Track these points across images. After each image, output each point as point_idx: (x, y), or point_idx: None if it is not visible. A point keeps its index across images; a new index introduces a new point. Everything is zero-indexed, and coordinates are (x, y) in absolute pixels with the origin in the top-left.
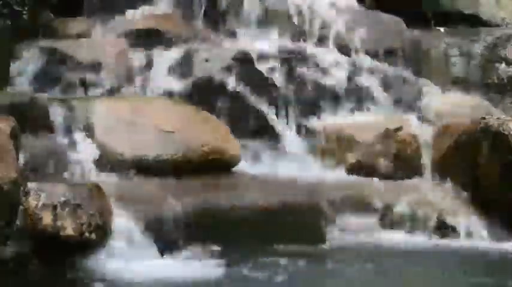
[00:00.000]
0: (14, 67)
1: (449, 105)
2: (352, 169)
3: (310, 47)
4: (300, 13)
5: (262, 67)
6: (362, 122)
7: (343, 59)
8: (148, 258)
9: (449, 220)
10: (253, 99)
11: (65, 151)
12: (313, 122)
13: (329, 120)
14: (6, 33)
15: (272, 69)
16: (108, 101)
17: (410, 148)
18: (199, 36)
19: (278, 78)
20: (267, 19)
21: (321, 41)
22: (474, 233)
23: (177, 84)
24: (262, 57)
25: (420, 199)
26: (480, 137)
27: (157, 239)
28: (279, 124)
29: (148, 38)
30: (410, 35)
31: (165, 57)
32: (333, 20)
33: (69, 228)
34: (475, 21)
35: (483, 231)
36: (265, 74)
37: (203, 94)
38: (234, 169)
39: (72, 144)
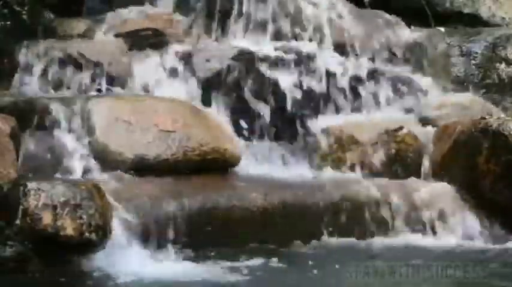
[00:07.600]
0: (14, 67)
1: (449, 105)
2: (352, 169)
3: (309, 47)
4: (299, 13)
5: (263, 67)
6: (362, 122)
7: (341, 59)
8: (147, 258)
9: (448, 220)
10: (254, 99)
11: (65, 151)
12: (314, 122)
13: (329, 121)
14: (6, 33)
15: (273, 69)
16: (108, 101)
17: (411, 148)
18: (199, 36)
19: (279, 78)
20: (267, 19)
21: (320, 41)
22: (473, 233)
23: (177, 84)
24: (263, 56)
25: (419, 199)
26: (480, 137)
27: (156, 240)
28: (280, 124)
29: (148, 38)
30: (410, 34)
31: (166, 57)
32: (332, 20)
33: (69, 228)
34: (475, 21)
35: (482, 231)
36: (266, 74)
37: (203, 94)
38: (234, 169)
39: (72, 144)
